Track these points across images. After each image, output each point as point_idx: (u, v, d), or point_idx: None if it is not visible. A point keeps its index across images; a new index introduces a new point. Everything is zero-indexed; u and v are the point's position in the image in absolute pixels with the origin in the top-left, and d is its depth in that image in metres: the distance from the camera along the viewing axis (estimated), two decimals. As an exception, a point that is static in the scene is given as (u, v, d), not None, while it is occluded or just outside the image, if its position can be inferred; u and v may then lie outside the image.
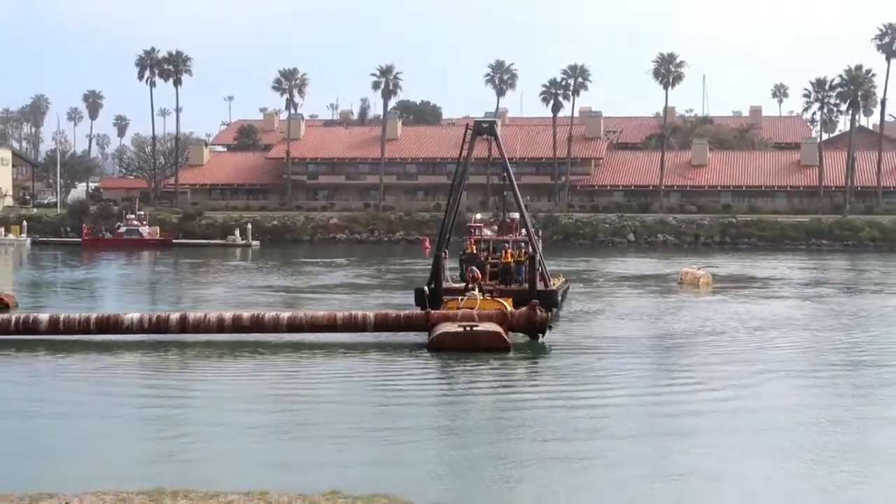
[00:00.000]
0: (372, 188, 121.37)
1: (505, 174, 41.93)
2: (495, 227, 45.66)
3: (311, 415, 21.34)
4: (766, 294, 50.95)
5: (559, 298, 41.05)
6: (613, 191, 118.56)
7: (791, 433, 19.70)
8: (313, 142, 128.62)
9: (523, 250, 40.18)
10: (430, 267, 40.34)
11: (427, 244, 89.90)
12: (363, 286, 54.68)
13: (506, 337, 29.94)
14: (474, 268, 36.33)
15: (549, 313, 32.91)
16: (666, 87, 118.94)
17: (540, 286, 39.06)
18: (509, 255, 39.92)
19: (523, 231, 41.45)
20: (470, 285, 35.39)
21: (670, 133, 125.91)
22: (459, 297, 33.44)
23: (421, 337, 31.40)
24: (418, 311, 33.93)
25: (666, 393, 24.23)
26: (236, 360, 28.72)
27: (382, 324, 31.75)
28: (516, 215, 42.38)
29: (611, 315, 40.60)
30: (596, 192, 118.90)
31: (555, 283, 42.51)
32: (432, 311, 32.12)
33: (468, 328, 29.80)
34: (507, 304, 33.33)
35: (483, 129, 40.67)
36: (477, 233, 44.13)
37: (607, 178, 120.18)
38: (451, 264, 41.02)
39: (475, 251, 40.91)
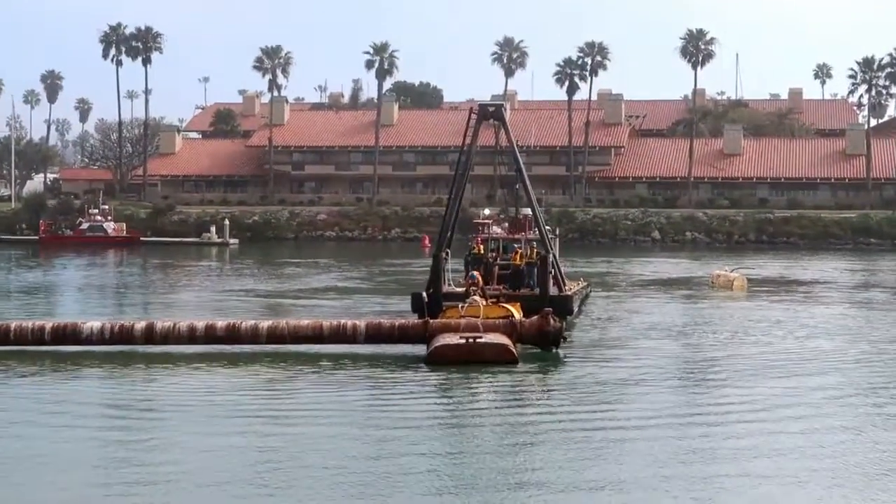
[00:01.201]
0: (365, 180, 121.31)
1: (514, 164, 41.87)
2: (506, 225, 45.80)
3: (292, 438, 21.21)
4: (808, 299, 51.14)
5: (575, 305, 41.11)
6: (636, 183, 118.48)
7: (840, 460, 19.54)
8: (299, 128, 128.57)
9: (536, 250, 40.14)
10: (429, 269, 40.26)
11: (426, 243, 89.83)
12: (354, 291, 54.82)
13: (513, 349, 29.95)
14: (474, 273, 36.34)
15: (564, 322, 32.81)
16: (695, 67, 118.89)
17: (554, 291, 39.07)
18: (518, 257, 39.97)
19: (536, 229, 41.53)
20: (472, 290, 35.29)
21: (700, 118, 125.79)
22: (461, 304, 33.47)
23: (418, 349, 31.40)
24: (415, 319, 33.90)
25: (696, 413, 24.06)
26: (209, 375, 28.68)
27: (375, 334, 31.79)
28: (529, 211, 42.31)
29: (633, 323, 40.73)
30: (616, 185, 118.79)
31: (573, 287, 42.66)
32: (431, 320, 32.06)
33: (471, 339, 29.82)
34: (516, 312, 33.31)
35: (489, 113, 40.65)
36: (485, 230, 44.21)
37: (629, 168, 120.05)
38: (454, 266, 41.16)
39: (482, 251, 40.91)
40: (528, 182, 41.37)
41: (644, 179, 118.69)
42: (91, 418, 23.13)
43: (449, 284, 39.67)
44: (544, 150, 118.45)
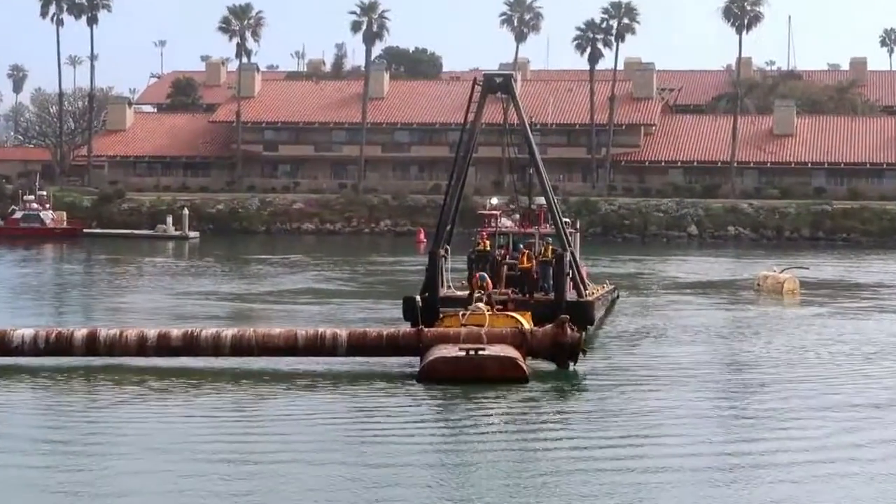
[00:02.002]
0: (349, 163, 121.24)
1: (526, 145, 41.85)
2: (516, 217, 45.85)
3: (258, 473, 21.06)
4: (873, 307, 51.06)
5: (597, 312, 41.16)
6: (670, 168, 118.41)
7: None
8: (272, 101, 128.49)
9: (551, 247, 40.13)
10: (424, 269, 40.17)
11: (422, 238, 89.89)
12: (335, 294, 54.87)
13: (523, 364, 29.91)
14: (483, 273, 36.42)
15: (584, 333, 32.88)
16: (739, 32, 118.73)
17: (572, 296, 39.07)
18: (525, 259, 40.00)
19: (552, 222, 41.61)
20: (476, 294, 35.33)
21: (745, 92, 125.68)
22: (462, 311, 33.45)
23: (410, 363, 31.23)
24: (407, 328, 33.85)
25: (737, 442, 23.86)
26: (162, 394, 28.54)
27: (358, 345, 31.72)
28: (543, 200, 42.44)
29: (665, 334, 40.83)
30: (647, 170, 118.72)
31: (595, 292, 42.78)
32: (426, 329, 32.03)
33: (473, 352, 29.76)
34: (526, 320, 33.22)
35: (496, 85, 40.71)
36: (491, 224, 44.04)
37: (662, 151, 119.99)
38: (454, 265, 41.06)
39: (488, 248, 40.87)
40: (542, 166, 41.18)
41: (679, 164, 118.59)
42: (19, 444, 22.93)
43: (448, 287, 39.57)
44: (561, 129, 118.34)
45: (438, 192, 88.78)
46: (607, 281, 49.66)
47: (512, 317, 33.55)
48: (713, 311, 48.80)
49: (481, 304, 34.11)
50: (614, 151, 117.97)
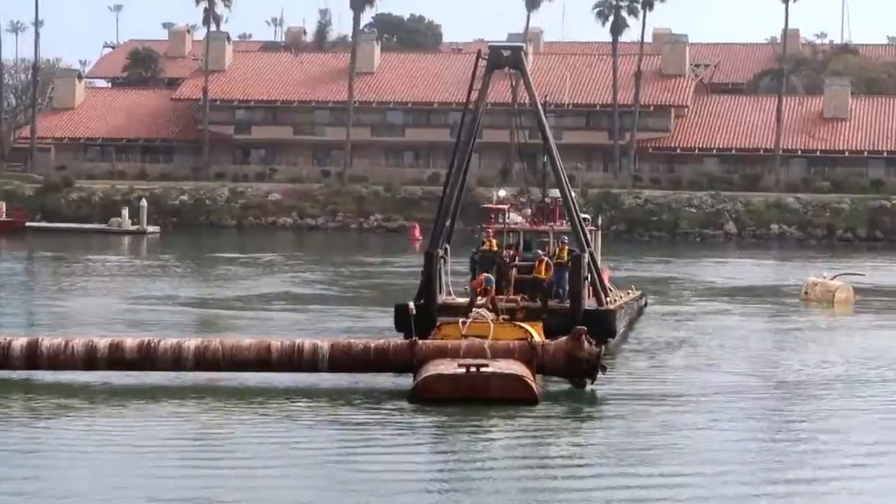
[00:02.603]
0: (334, 147, 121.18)
1: (538, 129, 41.47)
2: (527, 211, 45.69)
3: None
4: (940, 319, 50.96)
5: (620, 323, 41.12)
6: (704, 156, 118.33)
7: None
8: (245, 75, 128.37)
9: (567, 248, 40.15)
10: (420, 271, 39.91)
11: (417, 235, 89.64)
12: (316, 299, 54.75)
13: (532, 383, 29.77)
14: (489, 275, 36.53)
15: (603, 347, 32.78)
16: (786, 0, 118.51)
17: (591, 303, 38.97)
18: (543, 268, 39.76)
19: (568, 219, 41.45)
20: (479, 300, 35.23)
21: (792, 69, 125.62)
22: (462, 320, 33.33)
23: (402, 381, 31.09)
24: (400, 339, 33.72)
25: (786, 483, 23.53)
26: (114, 413, 28.37)
27: (342, 359, 31.59)
28: (558, 192, 42.13)
29: (699, 350, 40.69)
30: (678, 159, 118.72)
31: (619, 299, 42.86)
32: (420, 342, 31.87)
33: (474, 368, 29.60)
34: (537, 332, 33.11)
35: (504, 58, 40.58)
36: (499, 219, 43.87)
37: (695, 136, 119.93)
38: (455, 268, 41.05)
39: (495, 248, 40.77)
40: (556, 153, 40.89)
41: (715, 151, 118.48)
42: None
43: (449, 294, 39.50)
44: (579, 110, 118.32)
45: (437, 183, 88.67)
46: (632, 286, 49.61)
47: (521, 327, 33.41)
48: (754, 323, 48.60)
49: (485, 312, 34.02)
50: (640, 136, 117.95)
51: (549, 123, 41.63)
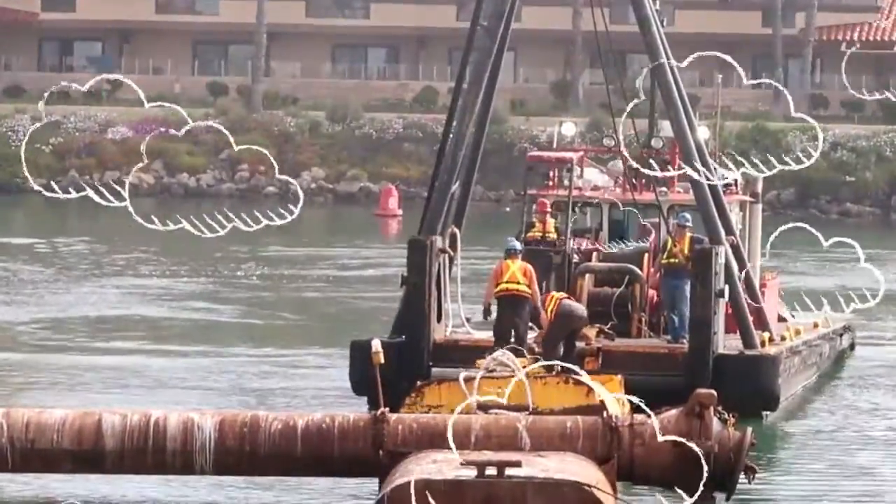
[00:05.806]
0: (232, 38, 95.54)
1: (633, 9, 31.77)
2: (618, 166, 35.03)
3: None
4: None
5: (793, 382, 31.79)
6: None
7: None
8: None
9: (689, 236, 30.57)
10: (400, 277, 30.55)
11: (394, 206, 73.46)
12: (199, 330, 42.39)
13: (604, 498, 21.99)
14: (567, 299, 29.53)
15: (750, 430, 23.42)
16: None
17: (732, 345, 30.28)
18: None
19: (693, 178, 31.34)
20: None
21: None
22: (465, 375, 25.06)
23: (366, 487, 23.81)
24: (357, 411, 26.18)
25: None
26: None
27: (239, 451, 23.47)
28: (671, 130, 31.79)
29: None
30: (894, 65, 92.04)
31: (792, 333, 32.97)
32: (395, 415, 24.21)
33: (493, 470, 21.92)
34: (617, 386, 26.48)
35: None
36: (559, 180, 34.62)
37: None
38: (472, 268, 34.65)
39: (552, 234, 32.53)
40: (668, 53, 30.19)
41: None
42: None
43: (463, 324, 31.10)
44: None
45: (432, 108, 69.29)
46: (827, 308, 35.76)
47: (584, 385, 25.07)
48: None
49: (511, 356, 26.15)
50: (824, 22, 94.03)
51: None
